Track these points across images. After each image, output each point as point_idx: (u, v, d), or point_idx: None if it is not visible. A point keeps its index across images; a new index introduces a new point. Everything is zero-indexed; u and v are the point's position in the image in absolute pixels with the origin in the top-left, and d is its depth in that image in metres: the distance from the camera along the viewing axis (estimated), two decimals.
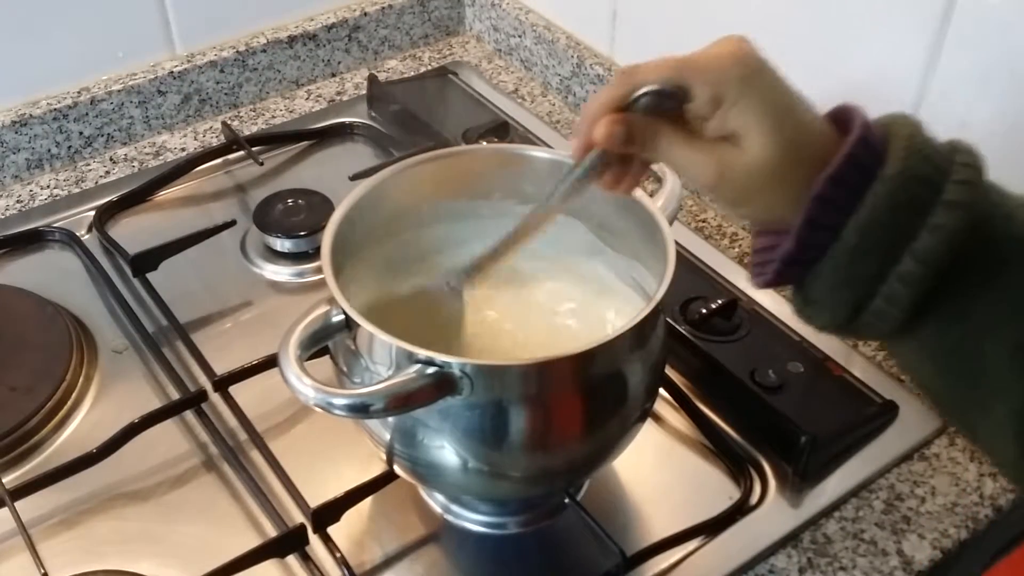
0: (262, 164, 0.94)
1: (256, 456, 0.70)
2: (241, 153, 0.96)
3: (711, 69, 0.48)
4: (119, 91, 0.97)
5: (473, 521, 0.68)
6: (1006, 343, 0.47)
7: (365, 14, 1.08)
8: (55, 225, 0.89)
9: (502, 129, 0.98)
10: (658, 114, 0.49)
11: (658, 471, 0.71)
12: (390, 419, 0.57)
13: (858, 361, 0.77)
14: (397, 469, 0.62)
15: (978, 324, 0.47)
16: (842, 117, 0.50)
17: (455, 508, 0.68)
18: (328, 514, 0.64)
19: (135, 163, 0.98)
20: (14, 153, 0.94)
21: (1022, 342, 0.46)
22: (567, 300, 0.69)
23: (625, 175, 0.54)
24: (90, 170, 0.97)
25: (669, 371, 0.75)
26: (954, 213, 0.45)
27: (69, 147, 0.96)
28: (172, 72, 0.99)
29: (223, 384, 0.73)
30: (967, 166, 0.47)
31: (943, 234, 0.45)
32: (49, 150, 0.95)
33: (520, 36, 1.08)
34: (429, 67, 1.11)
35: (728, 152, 0.48)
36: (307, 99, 1.06)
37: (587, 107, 0.51)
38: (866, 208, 0.46)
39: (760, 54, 0.49)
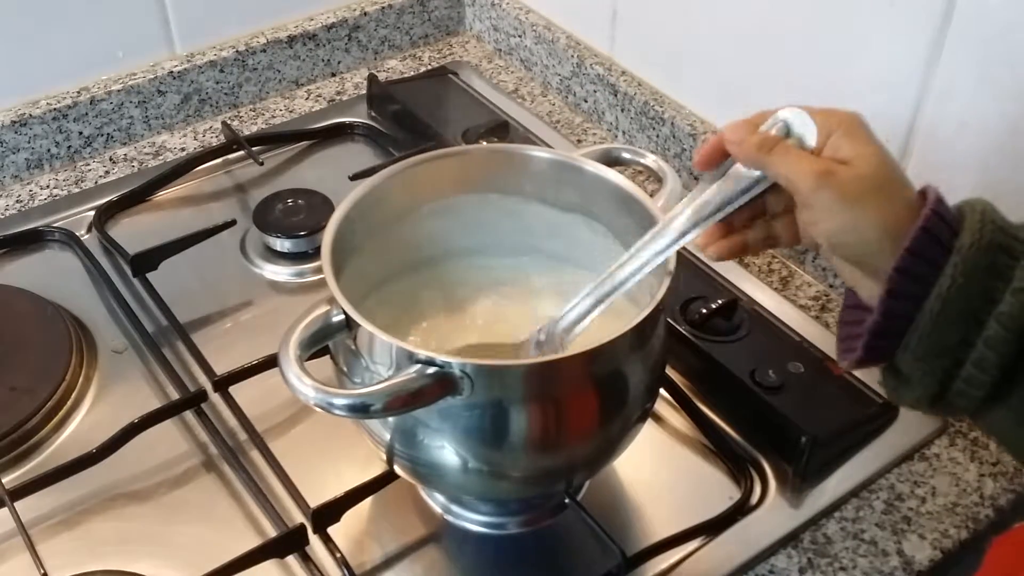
0: (262, 164, 0.94)
1: (256, 456, 0.70)
2: (241, 153, 0.96)
3: (828, 112, 0.53)
4: (119, 91, 0.97)
5: (473, 521, 0.68)
6: None
7: (365, 14, 1.08)
8: (55, 225, 0.89)
9: (502, 129, 0.98)
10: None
11: (658, 471, 0.71)
12: (390, 419, 0.57)
13: None
14: (397, 469, 0.62)
15: None
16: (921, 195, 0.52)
17: (455, 508, 0.68)
18: (328, 514, 0.64)
19: (135, 163, 0.98)
20: (14, 153, 0.94)
21: None
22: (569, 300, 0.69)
23: (732, 237, 0.57)
24: (90, 170, 0.97)
25: (669, 371, 0.75)
26: None
27: (69, 147, 0.96)
28: (172, 72, 0.99)
29: (223, 384, 0.73)
30: None
31: None
32: (49, 150, 0.95)
33: (520, 36, 1.08)
34: (429, 67, 1.11)
35: (833, 164, 0.51)
36: (307, 99, 1.06)
37: (732, 126, 0.55)
38: (946, 277, 0.47)
39: None
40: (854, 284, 0.54)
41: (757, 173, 0.54)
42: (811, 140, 0.52)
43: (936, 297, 0.48)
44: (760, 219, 0.58)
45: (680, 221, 0.57)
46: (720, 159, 0.56)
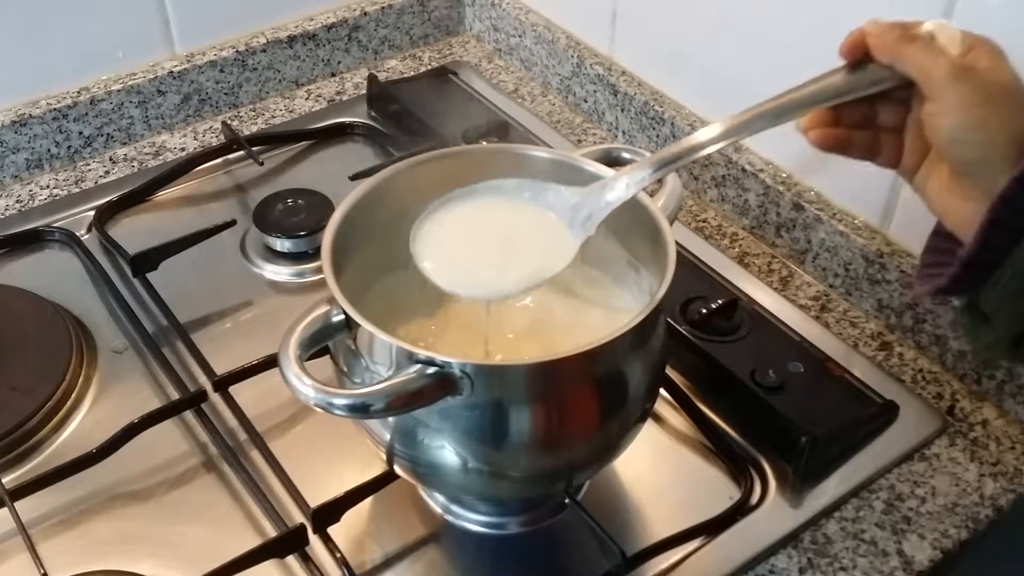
0: (262, 164, 0.94)
1: (256, 456, 0.70)
2: (241, 153, 0.96)
3: (971, 33, 0.51)
4: (119, 91, 0.97)
5: (473, 521, 0.68)
6: None
7: (365, 14, 1.08)
8: (55, 225, 0.89)
9: (502, 129, 0.98)
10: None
11: (658, 471, 0.71)
12: (390, 419, 0.57)
13: (858, 361, 0.77)
14: (397, 469, 0.62)
15: None
16: None
17: (455, 508, 0.68)
18: (328, 514, 0.64)
19: (135, 163, 0.98)
20: (14, 153, 0.94)
21: None
22: (569, 300, 0.69)
23: (839, 129, 0.55)
24: (90, 170, 0.97)
25: (669, 371, 0.75)
26: None
27: (69, 147, 0.96)
28: (172, 72, 0.99)
29: (223, 384, 0.73)
30: None
31: None
32: (49, 150, 0.95)
33: (520, 36, 1.08)
34: (429, 67, 1.11)
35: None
36: (307, 99, 1.06)
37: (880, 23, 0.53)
38: None
39: None
40: (945, 208, 0.52)
41: (885, 71, 0.53)
42: (954, 49, 0.50)
43: None
44: (870, 128, 0.56)
45: (798, 95, 0.55)
46: (859, 53, 0.54)
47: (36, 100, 0.95)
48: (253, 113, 1.04)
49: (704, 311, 0.77)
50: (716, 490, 0.69)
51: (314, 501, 0.64)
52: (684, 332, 0.76)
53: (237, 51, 1.02)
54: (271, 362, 0.72)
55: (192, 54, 1.01)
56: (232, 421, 0.72)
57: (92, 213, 0.90)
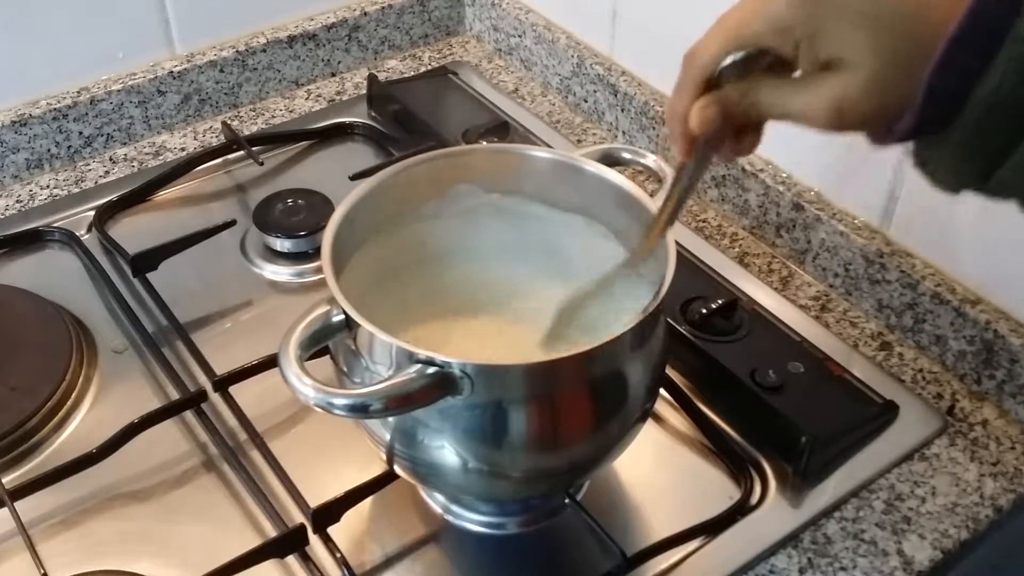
0: (262, 164, 0.94)
1: (256, 456, 0.70)
2: (241, 153, 0.96)
3: (771, 17, 0.44)
4: (119, 91, 0.97)
5: (473, 521, 0.68)
6: None
7: (365, 14, 1.08)
8: (55, 225, 0.89)
9: (502, 129, 0.98)
10: (746, 74, 0.47)
11: (658, 471, 0.71)
12: (390, 419, 0.57)
13: (858, 361, 0.77)
14: (397, 469, 0.62)
15: None
16: None
17: (455, 508, 0.68)
18: (328, 514, 0.64)
19: (135, 163, 0.98)
20: (14, 153, 0.94)
21: None
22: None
23: (743, 140, 0.50)
24: (90, 170, 0.97)
25: (669, 371, 0.75)
26: None
27: (69, 147, 0.96)
28: (172, 72, 0.99)
29: (223, 384, 0.73)
30: None
31: None
32: (49, 150, 0.95)
33: (520, 36, 1.08)
34: (429, 67, 1.11)
35: (837, 83, 0.44)
36: (307, 99, 1.06)
37: (670, 106, 0.50)
38: (994, 78, 0.40)
39: None
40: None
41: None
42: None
43: (981, 101, 0.40)
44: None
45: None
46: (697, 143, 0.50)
47: (36, 100, 0.95)
48: (253, 113, 1.04)
49: (704, 311, 0.77)
50: (716, 490, 0.69)
51: (314, 501, 0.64)
52: (684, 332, 0.76)
53: (237, 51, 1.02)
54: (271, 362, 0.72)
55: (192, 54, 1.01)
56: (232, 421, 0.72)
57: (92, 213, 0.90)
